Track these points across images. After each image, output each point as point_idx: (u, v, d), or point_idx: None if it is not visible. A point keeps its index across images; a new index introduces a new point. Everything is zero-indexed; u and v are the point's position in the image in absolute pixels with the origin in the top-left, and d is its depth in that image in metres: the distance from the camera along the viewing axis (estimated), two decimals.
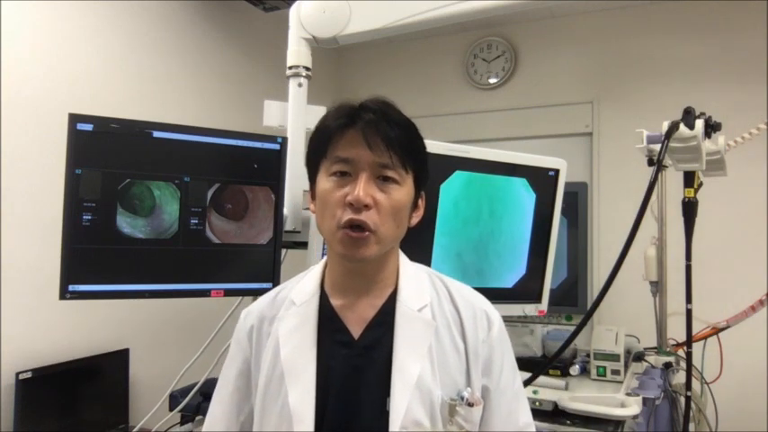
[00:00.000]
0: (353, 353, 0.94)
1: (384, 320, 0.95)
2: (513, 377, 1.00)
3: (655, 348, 2.09)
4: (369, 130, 0.89)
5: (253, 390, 0.99)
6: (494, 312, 1.01)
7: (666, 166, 2.04)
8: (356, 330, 0.95)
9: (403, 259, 1.02)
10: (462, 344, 0.96)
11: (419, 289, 0.99)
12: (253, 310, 1.04)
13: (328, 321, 0.96)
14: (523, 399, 1.01)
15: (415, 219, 0.99)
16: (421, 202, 1.00)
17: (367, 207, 0.88)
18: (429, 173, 0.99)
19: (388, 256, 0.97)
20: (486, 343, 0.97)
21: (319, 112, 1.71)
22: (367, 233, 0.89)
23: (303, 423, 0.89)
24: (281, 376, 0.93)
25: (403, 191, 0.92)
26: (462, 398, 0.91)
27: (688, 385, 1.83)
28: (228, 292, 1.47)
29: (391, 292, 0.98)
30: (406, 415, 0.88)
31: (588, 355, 2.12)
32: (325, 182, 0.92)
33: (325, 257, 1.03)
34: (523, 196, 1.70)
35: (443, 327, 0.96)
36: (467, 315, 0.98)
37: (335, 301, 0.98)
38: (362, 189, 0.87)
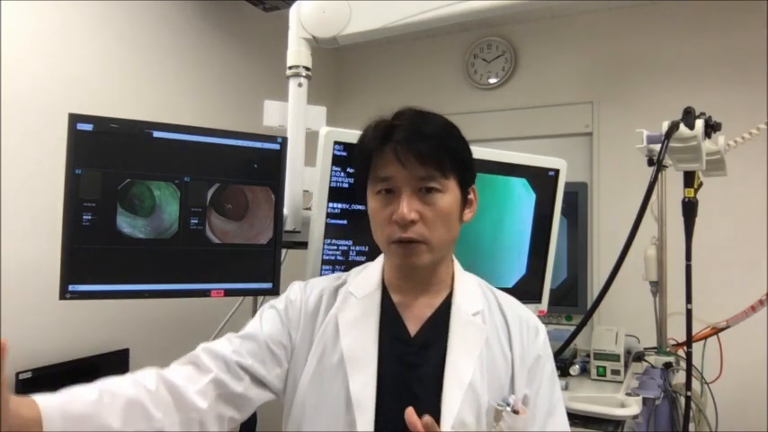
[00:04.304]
0: (409, 350, 0.97)
1: (439, 321, 0.98)
2: (552, 389, 1.01)
3: (655, 348, 2.09)
4: (401, 148, 0.92)
5: (291, 362, 0.99)
6: (541, 326, 1.04)
7: (666, 166, 2.04)
8: (413, 328, 0.98)
9: (457, 265, 1.06)
10: (510, 352, 0.98)
11: (473, 295, 1.03)
12: (311, 291, 1.05)
13: (388, 316, 0.99)
14: (560, 410, 1.01)
15: (469, 215, 1.03)
16: (473, 197, 1.03)
17: (413, 222, 0.92)
18: (474, 167, 1.01)
19: (441, 261, 1.01)
20: (531, 353, 0.99)
21: (319, 112, 1.71)
22: (417, 243, 0.92)
23: (364, 412, 0.91)
24: (340, 361, 0.95)
25: (447, 197, 0.95)
26: (508, 404, 0.94)
27: (688, 385, 1.83)
28: (228, 292, 1.47)
29: (447, 294, 1.01)
30: (458, 415, 0.91)
31: (588, 355, 2.12)
32: (372, 200, 0.97)
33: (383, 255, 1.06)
34: (523, 196, 1.70)
35: (493, 334, 0.99)
36: (514, 325, 1.01)
37: (395, 298, 1.01)
38: (406, 206, 0.91)
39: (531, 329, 1.02)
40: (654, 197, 1.98)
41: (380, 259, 1.07)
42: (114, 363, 2.25)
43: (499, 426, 0.92)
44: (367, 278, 1.04)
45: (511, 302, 1.06)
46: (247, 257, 1.48)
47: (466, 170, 0.99)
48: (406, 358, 0.96)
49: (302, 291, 1.05)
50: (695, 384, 1.97)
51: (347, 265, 1.45)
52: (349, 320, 0.98)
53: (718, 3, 2.93)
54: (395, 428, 0.89)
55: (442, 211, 0.94)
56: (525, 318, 1.03)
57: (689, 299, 1.83)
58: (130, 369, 2.27)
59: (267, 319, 1.02)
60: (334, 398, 0.94)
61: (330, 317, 1.00)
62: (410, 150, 0.91)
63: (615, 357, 2.05)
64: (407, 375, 0.95)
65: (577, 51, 3.29)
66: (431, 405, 0.91)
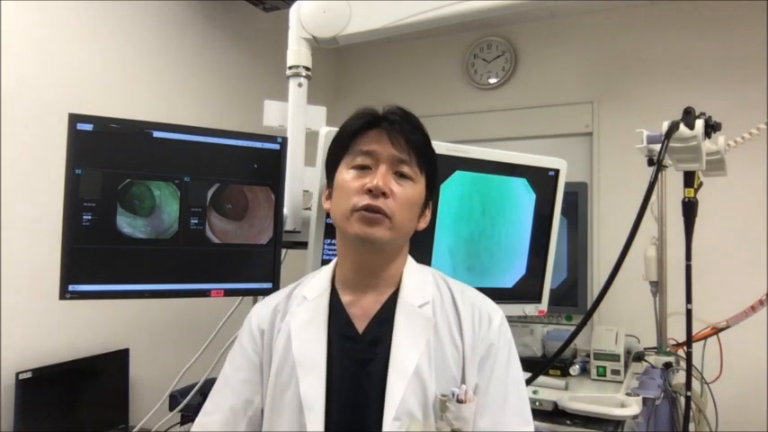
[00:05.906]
0: (358, 347, 0.97)
1: (386, 315, 0.99)
2: (507, 374, 0.99)
3: (655, 348, 2.09)
4: (393, 128, 0.97)
5: (264, 382, 1.01)
6: (496, 312, 1.03)
7: (666, 166, 2.04)
8: (361, 325, 0.99)
9: (409, 260, 1.06)
10: (461, 342, 0.97)
11: (422, 287, 1.02)
12: (266, 306, 1.07)
13: (337, 316, 1.00)
14: (522, 398, 1.00)
15: (422, 224, 1.04)
16: (428, 211, 1.06)
17: (384, 195, 0.94)
18: (437, 185, 1.06)
19: (396, 254, 1.01)
20: (483, 341, 0.99)
21: (319, 112, 1.71)
22: (383, 215, 0.93)
23: (314, 412, 0.92)
24: (293, 368, 0.96)
25: (416, 188, 0.99)
26: (453, 394, 0.93)
27: (688, 385, 1.83)
28: (228, 292, 1.47)
29: (395, 289, 1.01)
30: (401, 406, 0.91)
31: (588, 355, 2.12)
32: (345, 173, 0.98)
33: (336, 258, 1.07)
34: (523, 196, 1.70)
35: (443, 325, 0.98)
36: (466, 314, 1.00)
37: (344, 297, 1.01)
38: (382, 178, 0.94)
39: (483, 318, 1.00)
40: (654, 197, 1.98)
41: (333, 261, 1.07)
42: (114, 363, 2.25)
43: (446, 416, 0.92)
44: (319, 280, 1.05)
45: (465, 292, 1.04)
46: (247, 257, 1.48)
47: (434, 176, 1.04)
48: (356, 356, 0.96)
49: (258, 309, 1.08)
50: (695, 384, 1.97)
51: None
52: (299, 325, 0.99)
53: (718, 3, 2.93)
54: (346, 427, 0.92)
55: (411, 197, 0.97)
56: (479, 306, 1.01)
57: (689, 299, 1.83)
58: (130, 369, 2.29)
59: (232, 355, 1.06)
60: (289, 403, 0.95)
61: (284, 324, 1.01)
62: (401, 132, 0.96)
63: (615, 357, 2.05)
64: (358, 373, 0.96)
65: (577, 51, 3.29)
66: (380, 400, 0.92)
